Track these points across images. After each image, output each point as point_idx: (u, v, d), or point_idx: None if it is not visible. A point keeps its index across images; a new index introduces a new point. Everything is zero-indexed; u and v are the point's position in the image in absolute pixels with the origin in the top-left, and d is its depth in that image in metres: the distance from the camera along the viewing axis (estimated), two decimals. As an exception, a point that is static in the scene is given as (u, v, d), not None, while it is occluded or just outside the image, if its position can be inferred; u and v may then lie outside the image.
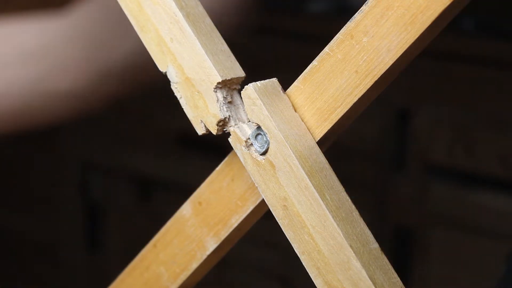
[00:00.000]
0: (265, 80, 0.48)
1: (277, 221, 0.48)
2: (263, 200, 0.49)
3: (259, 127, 0.48)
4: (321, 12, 1.56)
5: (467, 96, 1.43)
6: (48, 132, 1.88)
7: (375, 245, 0.46)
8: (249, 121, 0.48)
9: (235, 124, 0.49)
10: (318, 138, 0.48)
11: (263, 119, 0.47)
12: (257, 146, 0.48)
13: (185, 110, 0.50)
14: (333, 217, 0.46)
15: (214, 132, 0.49)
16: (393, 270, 0.46)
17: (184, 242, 0.53)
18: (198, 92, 0.49)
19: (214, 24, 0.50)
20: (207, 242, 0.52)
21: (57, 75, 0.77)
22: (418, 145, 1.47)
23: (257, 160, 0.48)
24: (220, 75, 0.49)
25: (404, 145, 1.49)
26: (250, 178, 0.49)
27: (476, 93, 1.42)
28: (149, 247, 0.55)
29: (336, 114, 0.47)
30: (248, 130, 0.48)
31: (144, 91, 0.82)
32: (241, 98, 0.48)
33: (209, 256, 0.52)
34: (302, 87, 0.48)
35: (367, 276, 0.45)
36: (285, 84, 0.49)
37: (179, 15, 0.49)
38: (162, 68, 0.51)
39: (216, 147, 0.95)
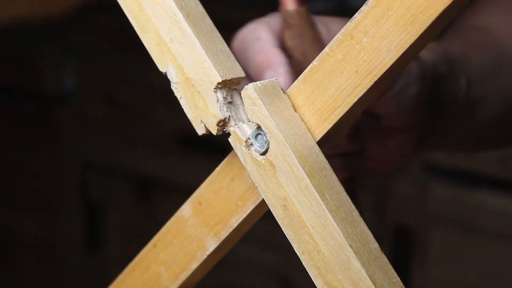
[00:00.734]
0: (265, 80, 0.48)
1: (277, 221, 0.48)
2: (263, 200, 0.49)
3: (259, 127, 0.48)
4: (321, 12, 1.56)
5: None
6: (48, 132, 1.88)
7: (375, 245, 0.46)
8: (249, 121, 0.48)
9: (235, 124, 0.49)
10: (318, 138, 0.48)
11: (263, 119, 0.47)
12: (257, 146, 0.48)
13: (185, 110, 0.50)
14: (333, 217, 0.46)
15: (214, 132, 0.49)
16: (393, 270, 0.46)
17: (184, 242, 0.53)
18: (198, 92, 0.49)
19: None
20: (207, 242, 0.52)
21: None
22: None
23: (257, 160, 0.48)
24: (220, 75, 0.49)
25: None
26: (250, 178, 0.49)
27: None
28: (149, 247, 0.55)
29: (336, 114, 0.47)
30: (248, 130, 0.48)
31: None
32: (241, 98, 0.48)
33: (209, 256, 0.52)
34: (302, 87, 0.48)
35: (367, 276, 0.45)
36: (285, 84, 0.49)
37: (179, 15, 0.49)
38: (162, 68, 0.50)
39: (216, 147, 0.96)
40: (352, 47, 0.45)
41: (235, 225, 0.51)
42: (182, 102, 0.50)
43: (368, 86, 0.46)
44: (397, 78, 0.57)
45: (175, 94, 0.50)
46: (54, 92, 1.85)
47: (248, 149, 0.48)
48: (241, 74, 0.50)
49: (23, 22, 1.86)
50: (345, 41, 0.46)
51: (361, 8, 0.45)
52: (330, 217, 0.46)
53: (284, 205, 0.47)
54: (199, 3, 0.51)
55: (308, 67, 0.47)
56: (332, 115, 0.47)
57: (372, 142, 0.62)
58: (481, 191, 1.44)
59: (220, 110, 0.49)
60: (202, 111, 0.50)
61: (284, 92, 0.49)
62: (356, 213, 0.47)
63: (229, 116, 0.49)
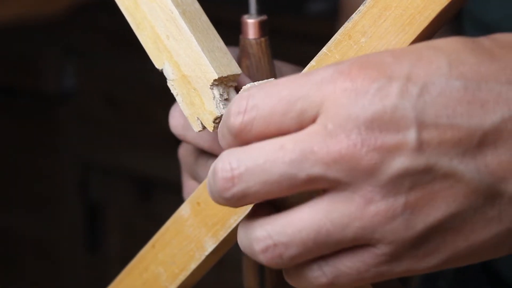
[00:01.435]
0: (264, 80, 0.48)
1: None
2: (261, 200, 0.49)
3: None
4: (321, 12, 1.56)
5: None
6: (48, 132, 1.88)
7: None
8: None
9: (232, 121, 0.49)
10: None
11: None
12: (254, 144, 0.48)
13: (181, 107, 0.50)
14: None
15: (210, 129, 0.49)
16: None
17: (183, 243, 0.53)
18: (194, 89, 0.49)
19: None
20: (205, 242, 0.52)
21: None
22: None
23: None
24: (216, 72, 0.49)
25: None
26: (249, 178, 0.49)
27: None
28: (148, 247, 0.55)
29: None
30: (245, 128, 0.48)
31: None
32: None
33: (207, 256, 0.52)
34: (300, 87, 0.48)
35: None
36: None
37: (175, 12, 0.49)
38: (158, 65, 0.50)
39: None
40: (350, 47, 0.45)
41: (234, 225, 0.51)
42: (179, 99, 0.50)
43: (366, 87, 0.45)
44: None
45: (172, 91, 0.50)
46: (54, 92, 1.86)
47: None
48: (238, 71, 0.50)
49: (23, 22, 1.86)
50: (343, 41, 0.46)
51: (359, 9, 0.45)
52: None
53: None
54: (195, 0, 0.51)
55: (306, 67, 0.47)
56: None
57: None
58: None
59: (217, 107, 0.49)
60: (199, 108, 0.50)
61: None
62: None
63: (226, 113, 0.49)
